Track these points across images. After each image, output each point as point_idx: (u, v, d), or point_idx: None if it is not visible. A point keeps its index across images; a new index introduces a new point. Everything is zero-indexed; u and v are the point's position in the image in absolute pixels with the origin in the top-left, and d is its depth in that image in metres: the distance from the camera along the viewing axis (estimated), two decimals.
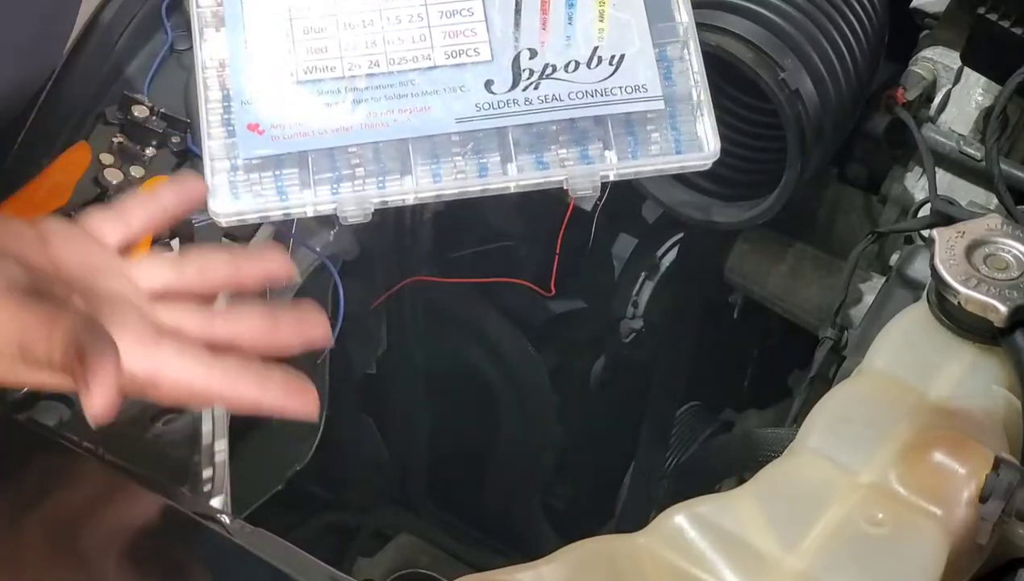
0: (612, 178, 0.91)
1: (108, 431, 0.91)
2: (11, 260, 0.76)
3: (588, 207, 1.48)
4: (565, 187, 0.89)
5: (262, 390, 0.78)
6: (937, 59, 1.27)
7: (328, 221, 1.22)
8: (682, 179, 1.26)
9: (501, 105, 0.90)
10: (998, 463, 0.84)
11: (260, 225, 1.08)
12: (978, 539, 0.84)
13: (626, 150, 0.90)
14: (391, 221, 1.34)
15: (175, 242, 1.05)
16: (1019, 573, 0.87)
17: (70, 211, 1.02)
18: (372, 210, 0.89)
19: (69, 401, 0.93)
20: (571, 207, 1.47)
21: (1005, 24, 1.14)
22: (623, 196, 1.54)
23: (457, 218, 1.47)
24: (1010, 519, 0.84)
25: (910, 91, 1.24)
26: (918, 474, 0.85)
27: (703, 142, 0.91)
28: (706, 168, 0.93)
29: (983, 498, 0.83)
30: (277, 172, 0.88)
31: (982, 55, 1.19)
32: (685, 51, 0.93)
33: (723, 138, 1.25)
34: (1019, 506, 0.83)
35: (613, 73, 0.91)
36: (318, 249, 1.19)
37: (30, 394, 0.93)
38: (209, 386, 0.77)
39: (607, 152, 0.90)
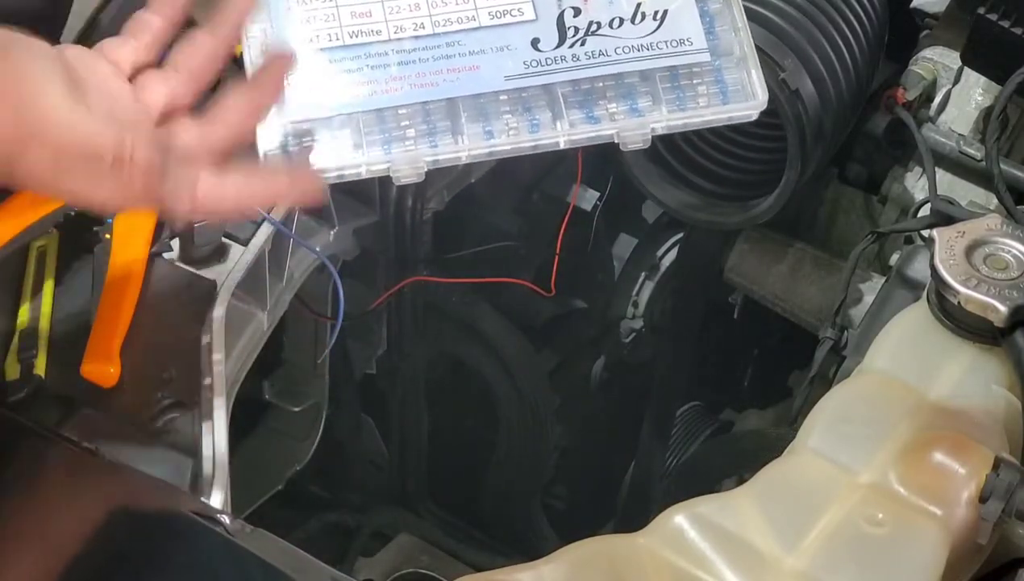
0: (661, 130, 0.91)
1: (108, 431, 0.91)
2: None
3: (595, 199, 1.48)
4: (616, 140, 0.90)
5: (270, 187, 0.83)
6: (937, 59, 1.27)
7: (328, 221, 1.22)
8: (682, 179, 1.26)
9: (549, 62, 0.90)
10: (998, 463, 0.84)
11: (261, 223, 1.08)
12: (978, 539, 0.84)
13: (674, 102, 0.90)
14: (391, 221, 1.34)
15: (175, 242, 1.05)
16: (1019, 573, 0.87)
17: (70, 210, 1.02)
18: (425, 170, 0.90)
19: (69, 401, 0.93)
20: (571, 207, 1.47)
21: (1005, 24, 1.14)
22: (623, 196, 1.55)
23: (457, 218, 1.48)
24: (1010, 519, 0.84)
25: (910, 91, 1.24)
26: (918, 474, 0.85)
27: (750, 92, 0.91)
28: (752, 118, 0.93)
29: (983, 498, 0.83)
30: (328, 134, 0.89)
31: (982, 55, 1.19)
32: (726, 6, 0.93)
33: (723, 138, 1.26)
34: (1019, 506, 0.83)
35: (657, 28, 0.92)
36: (318, 249, 1.19)
37: (30, 394, 0.93)
38: (223, 197, 0.80)
39: (656, 105, 0.90)
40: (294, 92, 0.89)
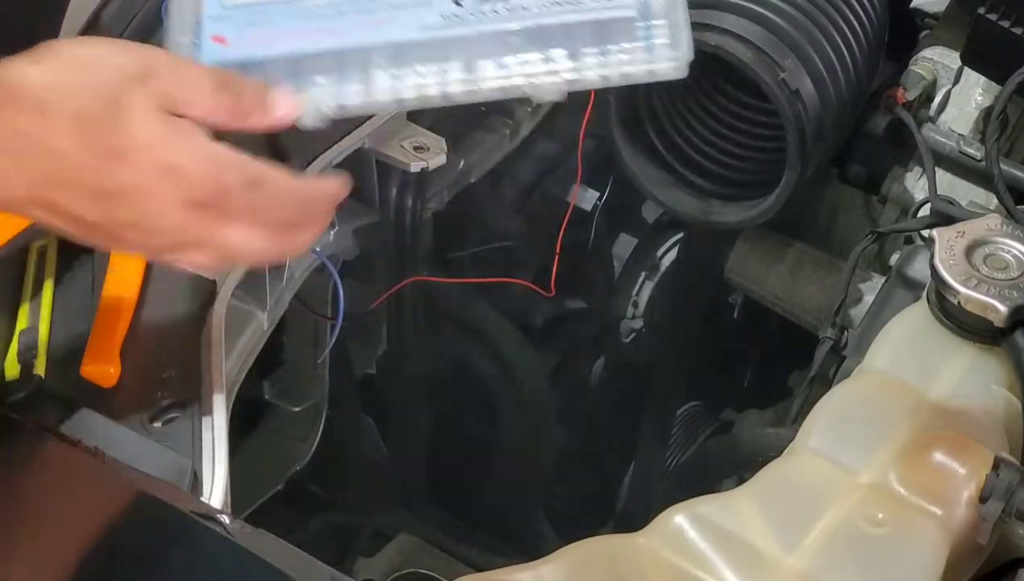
0: (579, 85, 0.86)
1: (108, 431, 0.91)
2: None
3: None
4: (529, 92, 0.87)
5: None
6: (937, 59, 1.27)
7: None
8: (682, 179, 1.26)
9: (468, 16, 0.87)
10: (998, 463, 0.84)
11: None
12: (978, 539, 0.84)
13: (594, 55, 0.86)
14: (391, 221, 1.34)
15: None
16: (1019, 573, 0.87)
17: None
18: (331, 117, 0.87)
19: (69, 401, 0.93)
20: (571, 207, 1.47)
21: (1005, 24, 1.14)
22: (623, 196, 1.55)
23: (457, 218, 1.48)
24: (1010, 519, 0.84)
25: (910, 91, 1.24)
26: (918, 474, 0.85)
27: (674, 49, 0.86)
28: (678, 76, 0.87)
29: (983, 498, 0.83)
30: None
31: (982, 55, 1.19)
32: None
33: (723, 138, 1.26)
34: (1019, 506, 0.83)
35: None
36: (318, 249, 1.19)
37: (30, 394, 0.93)
38: None
39: (571, 58, 0.86)
40: (208, 39, 0.87)
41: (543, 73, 0.86)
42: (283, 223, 0.81)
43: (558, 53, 0.87)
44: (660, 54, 0.86)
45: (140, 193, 0.75)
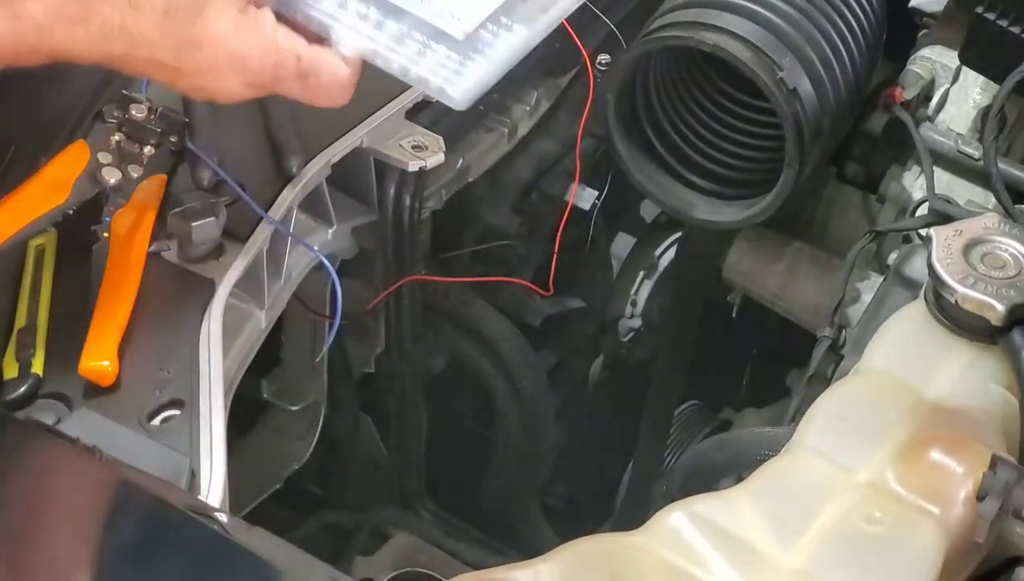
0: (378, 59, 0.89)
1: (106, 429, 0.91)
2: None
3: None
4: (333, 37, 0.88)
5: None
6: (935, 58, 1.27)
7: (326, 220, 1.22)
8: (680, 178, 1.26)
9: None
10: (995, 462, 0.84)
11: (259, 222, 1.08)
12: (975, 537, 0.84)
13: (413, 47, 0.88)
14: (389, 220, 1.34)
15: (173, 242, 1.05)
16: (1017, 572, 0.88)
17: (69, 209, 1.02)
18: None
19: (67, 400, 0.93)
20: (569, 206, 1.47)
21: (1003, 23, 1.14)
22: (621, 195, 1.55)
23: (455, 217, 1.48)
24: (1007, 517, 0.84)
25: (908, 90, 1.24)
26: (916, 473, 0.86)
27: (465, 88, 0.88)
28: (457, 107, 0.90)
29: (980, 496, 0.83)
30: None
31: (980, 54, 1.19)
32: (524, 24, 0.90)
33: (721, 137, 1.26)
34: (1016, 504, 0.83)
35: None
36: (316, 248, 1.19)
37: (28, 392, 0.93)
38: None
39: (395, 38, 0.88)
40: None
41: (363, 31, 0.88)
42: (325, 101, 0.91)
43: (390, 24, 0.89)
44: (458, 81, 0.88)
45: (208, 73, 0.86)
